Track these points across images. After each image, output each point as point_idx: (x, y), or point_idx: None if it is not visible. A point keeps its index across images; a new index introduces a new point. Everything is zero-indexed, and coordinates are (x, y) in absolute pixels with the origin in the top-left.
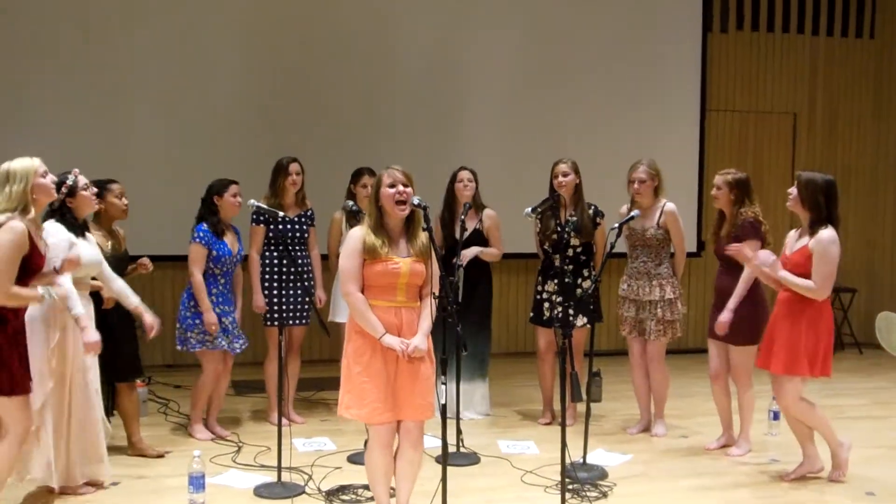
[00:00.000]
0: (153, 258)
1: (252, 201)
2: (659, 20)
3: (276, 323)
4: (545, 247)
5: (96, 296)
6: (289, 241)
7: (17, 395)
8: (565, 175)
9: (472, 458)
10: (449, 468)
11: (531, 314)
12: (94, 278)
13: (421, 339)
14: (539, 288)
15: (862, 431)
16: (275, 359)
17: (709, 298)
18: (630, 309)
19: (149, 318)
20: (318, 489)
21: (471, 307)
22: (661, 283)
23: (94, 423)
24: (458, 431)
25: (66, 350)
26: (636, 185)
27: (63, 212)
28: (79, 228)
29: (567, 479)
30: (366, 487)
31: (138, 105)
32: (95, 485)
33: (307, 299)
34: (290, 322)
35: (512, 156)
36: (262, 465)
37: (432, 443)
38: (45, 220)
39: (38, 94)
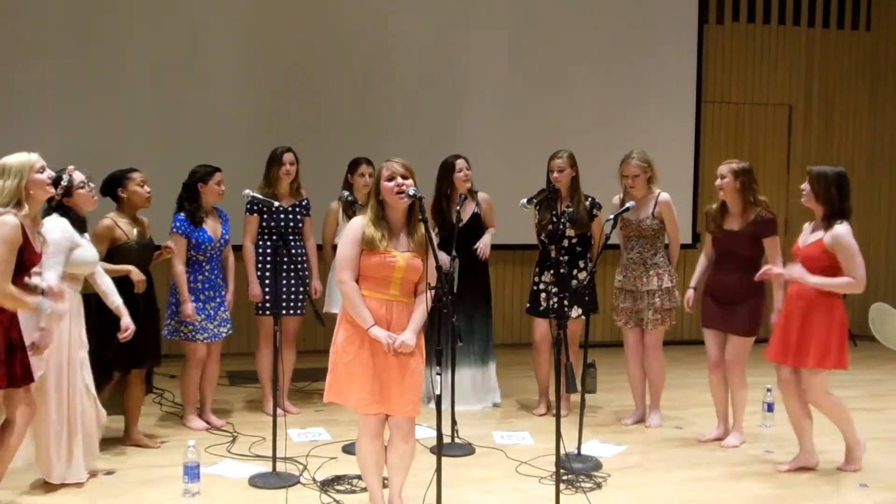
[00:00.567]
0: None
1: (247, 191)
2: (655, 12)
3: (268, 312)
4: (542, 237)
5: (125, 280)
6: (283, 230)
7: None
8: (561, 170)
9: (466, 449)
10: (443, 459)
11: (528, 305)
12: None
13: (409, 335)
14: (536, 279)
15: (856, 423)
16: (266, 348)
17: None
18: (626, 300)
19: (126, 320)
20: (313, 479)
21: (469, 295)
22: (658, 273)
23: (93, 418)
24: (453, 422)
25: (65, 343)
26: (629, 181)
27: (65, 209)
28: (81, 225)
29: (562, 470)
30: (360, 478)
31: (136, 98)
32: (91, 475)
33: (301, 289)
34: (284, 312)
35: (509, 149)
36: (257, 455)
37: (427, 433)
38: (46, 215)
39: (36, 89)
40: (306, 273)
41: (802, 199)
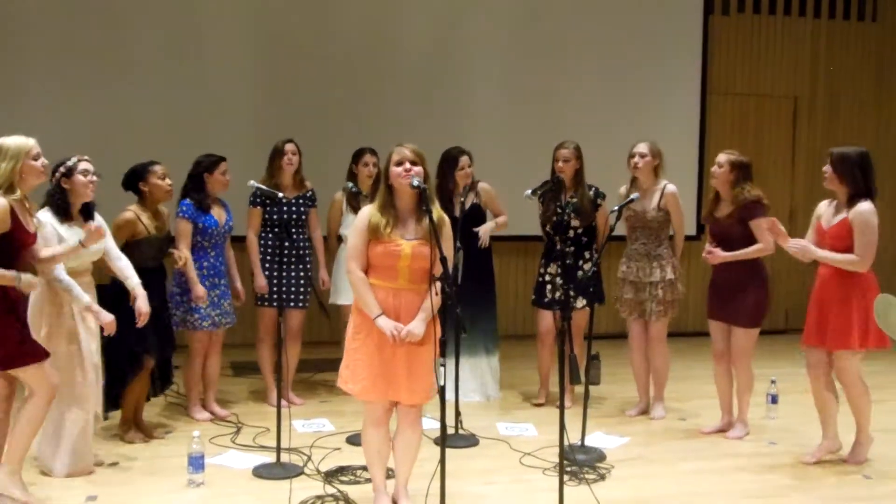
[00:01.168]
0: None
1: (252, 182)
2: (661, 2)
3: (269, 304)
4: (547, 229)
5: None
6: (286, 222)
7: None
8: (566, 160)
9: (470, 440)
10: (448, 450)
11: (533, 296)
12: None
13: (417, 325)
14: (542, 270)
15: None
16: (265, 340)
17: (708, 281)
18: (629, 291)
19: (141, 302)
20: (317, 470)
21: (472, 285)
22: (662, 264)
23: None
24: (457, 413)
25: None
26: (636, 159)
27: (55, 194)
28: (67, 213)
29: (565, 462)
30: (364, 468)
31: (138, 89)
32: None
33: (305, 282)
34: (288, 305)
35: (513, 139)
36: (262, 446)
37: (431, 424)
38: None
39: (36, 77)
40: (310, 265)
41: (825, 182)
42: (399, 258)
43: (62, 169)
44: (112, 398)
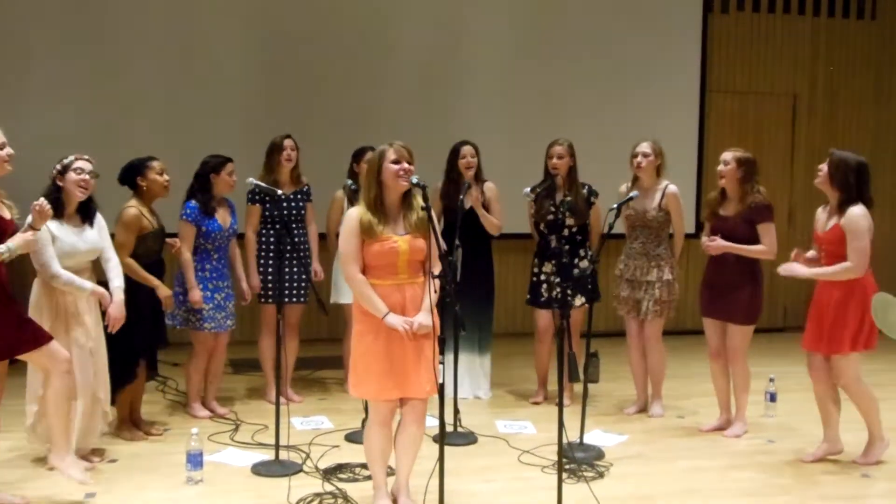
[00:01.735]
0: None
1: (250, 179)
2: (660, 1)
3: (272, 301)
4: (541, 228)
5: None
6: (286, 218)
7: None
8: (560, 157)
9: (469, 438)
10: (446, 448)
11: (528, 296)
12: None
13: (425, 316)
14: (536, 269)
15: (858, 413)
16: (268, 336)
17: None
18: (626, 289)
19: (114, 309)
20: (316, 467)
21: (472, 284)
22: (660, 264)
23: (98, 401)
24: (456, 411)
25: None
26: (639, 159)
27: (50, 192)
28: (60, 212)
29: (564, 459)
30: (363, 466)
31: (136, 87)
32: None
33: (305, 277)
34: (287, 300)
35: (512, 136)
36: (260, 444)
37: (430, 422)
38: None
39: (36, 76)
40: (309, 261)
41: (816, 181)
42: (398, 254)
43: (58, 167)
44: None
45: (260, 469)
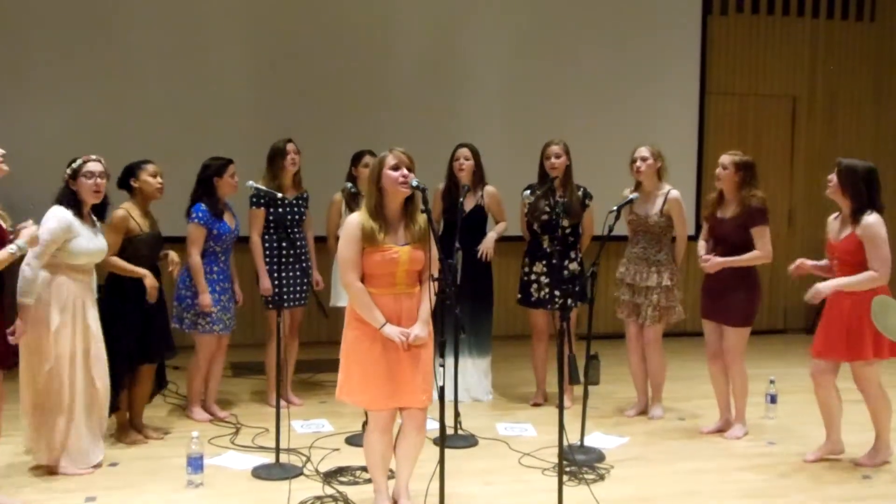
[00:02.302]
0: None
1: (251, 183)
2: (659, 3)
3: (273, 306)
4: (534, 228)
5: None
6: (287, 222)
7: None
8: (558, 157)
9: (469, 441)
10: (447, 450)
11: (518, 295)
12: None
13: (421, 327)
14: (526, 269)
15: (857, 415)
16: (274, 341)
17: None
18: (626, 292)
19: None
20: (316, 470)
21: (472, 287)
22: (660, 270)
23: (101, 407)
24: (456, 414)
25: (67, 332)
26: (638, 164)
27: (67, 195)
28: (80, 212)
29: (564, 462)
30: (363, 469)
31: (136, 87)
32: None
33: (305, 280)
34: (288, 304)
35: (512, 138)
36: (261, 447)
37: (430, 425)
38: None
39: (37, 77)
40: (309, 264)
41: (828, 191)
42: (398, 264)
43: (68, 171)
44: (110, 400)
45: (260, 472)
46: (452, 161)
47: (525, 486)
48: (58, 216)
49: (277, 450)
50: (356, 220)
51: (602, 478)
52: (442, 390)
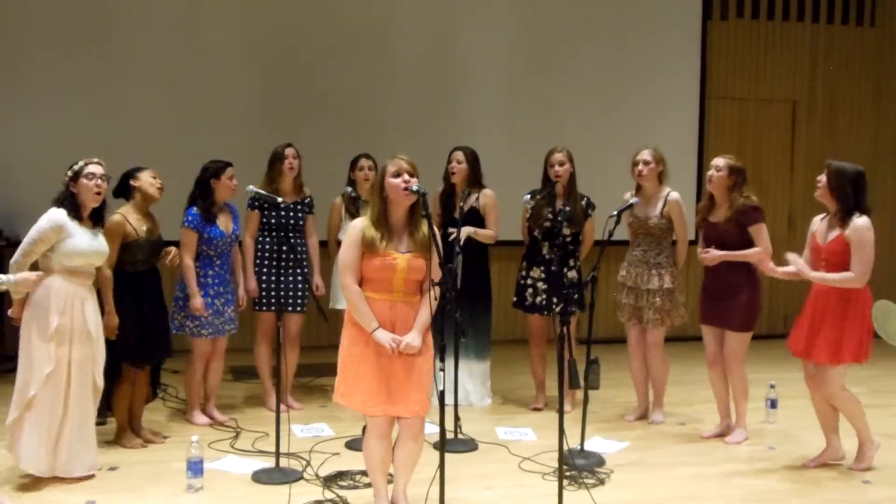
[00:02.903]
0: None
1: (251, 187)
2: (659, 7)
3: (267, 308)
4: (535, 234)
5: (133, 277)
6: (285, 227)
7: None
8: (561, 164)
9: (469, 445)
10: (447, 455)
11: (514, 299)
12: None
13: (414, 336)
14: (524, 273)
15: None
16: (263, 344)
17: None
18: (628, 296)
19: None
20: (316, 475)
21: (470, 290)
22: (661, 273)
23: (92, 412)
24: (456, 418)
25: (66, 336)
26: (640, 167)
27: (67, 197)
28: (79, 215)
29: (565, 466)
30: (363, 473)
31: (136, 89)
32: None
33: (304, 286)
34: (286, 309)
35: (512, 142)
36: (261, 451)
37: (430, 429)
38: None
39: (37, 78)
40: (307, 270)
41: (816, 193)
42: (395, 271)
43: (69, 173)
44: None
45: (260, 476)
46: (447, 164)
47: (525, 490)
48: (49, 216)
49: (277, 454)
50: (359, 225)
51: (602, 482)
52: (442, 394)
